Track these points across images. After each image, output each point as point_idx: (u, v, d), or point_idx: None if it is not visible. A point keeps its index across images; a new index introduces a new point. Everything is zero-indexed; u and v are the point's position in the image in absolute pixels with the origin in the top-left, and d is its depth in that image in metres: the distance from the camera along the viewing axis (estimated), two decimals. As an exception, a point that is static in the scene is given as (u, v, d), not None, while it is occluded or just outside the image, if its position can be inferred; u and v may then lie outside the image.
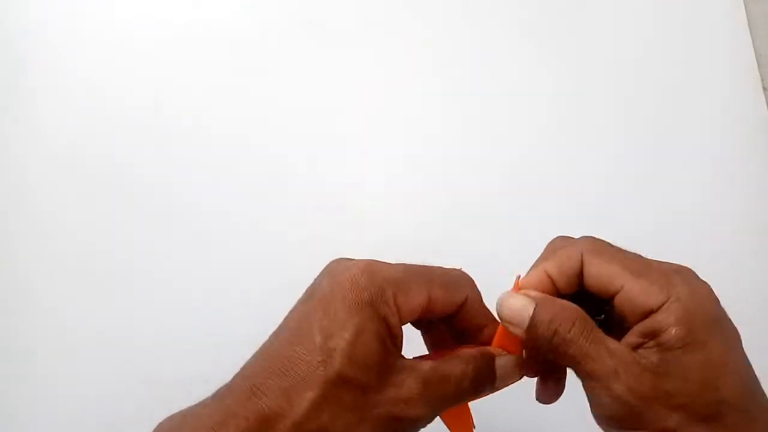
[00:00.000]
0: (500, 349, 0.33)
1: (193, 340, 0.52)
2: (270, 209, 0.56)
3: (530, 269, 0.33)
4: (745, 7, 0.63)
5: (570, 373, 0.34)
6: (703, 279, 0.31)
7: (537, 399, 0.35)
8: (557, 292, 0.32)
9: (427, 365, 0.30)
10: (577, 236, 0.33)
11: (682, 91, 0.61)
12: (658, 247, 0.56)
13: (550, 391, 0.34)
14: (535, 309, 0.30)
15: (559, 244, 0.33)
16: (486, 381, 0.32)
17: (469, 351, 0.32)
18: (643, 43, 0.62)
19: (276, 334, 0.30)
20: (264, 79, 0.60)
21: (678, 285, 0.29)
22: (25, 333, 0.53)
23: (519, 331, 0.31)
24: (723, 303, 0.31)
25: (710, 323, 0.28)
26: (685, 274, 0.30)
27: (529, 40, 0.62)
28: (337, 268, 0.31)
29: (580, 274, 0.31)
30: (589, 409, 0.31)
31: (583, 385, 0.30)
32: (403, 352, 0.31)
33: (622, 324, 0.31)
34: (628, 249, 0.32)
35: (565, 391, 0.34)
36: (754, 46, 0.62)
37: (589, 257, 0.31)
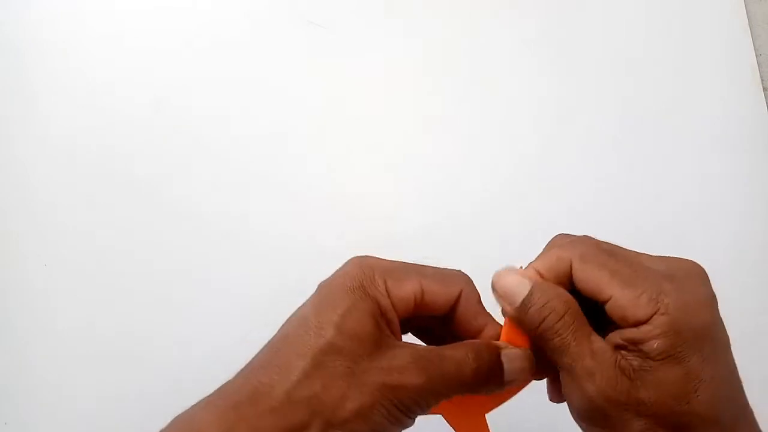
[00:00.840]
0: (506, 342, 0.32)
1: (196, 341, 0.52)
2: (271, 210, 0.56)
3: (524, 268, 0.32)
4: (746, 7, 0.63)
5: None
6: (703, 275, 0.30)
7: (550, 399, 0.34)
8: None
9: (425, 346, 0.30)
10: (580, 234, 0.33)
11: (682, 91, 0.61)
12: (657, 247, 0.56)
13: (559, 390, 0.34)
14: (530, 290, 0.30)
15: (558, 242, 0.33)
16: (490, 372, 0.31)
17: (472, 340, 0.32)
18: (643, 43, 0.62)
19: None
20: (267, 78, 0.60)
21: (668, 295, 0.28)
22: (26, 332, 0.53)
23: (509, 309, 0.31)
24: (721, 303, 0.31)
25: (696, 337, 0.28)
26: (679, 278, 0.29)
27: (530, 41, 0.62)
28: (336, 270, 0.32)
29: (570, 278, 0.31)
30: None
31: (559, 374, 0.30)
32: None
33: (611, 320, 0.31)
34: (625, 247, 0.32)
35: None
36: (754, 46, 0.62)
37: (578, 264, 0.31)
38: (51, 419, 0.51)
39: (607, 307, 0.30)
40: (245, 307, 0.53)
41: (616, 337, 0.29)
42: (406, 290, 0.31)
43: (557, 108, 0.60)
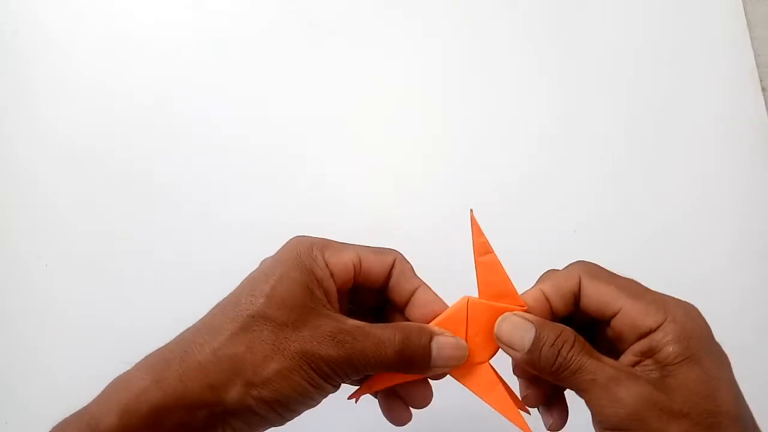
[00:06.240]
0: (444, 329, 0.33)
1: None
2: (272, 210, 0.56)
3: (527, 291, 0.33)
4: (744, 7, 0.63)
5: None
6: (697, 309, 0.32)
7: (547, 428, 0.35)
8: (552, 314, 0.33)
9: (354, 321, 0.31)
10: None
11: (682, 91, 0.61)
12: (659, 246, 0.57)
13: (555, 416, 0.35)
14: (537, 331, 0.31)
15: (553, 272, 0.34)
16: (416, 356, 0.32)
17: (406, 323, 0.33)
18: (643, 44, 0.62)
19: None
20: (268, 79, 0.60)
21: (673, 307, 0.31)
22: (26, 332, 0.53)
23: (519, 354, 0.32)
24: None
25: (705, 343, 0.30)
26: (677, 299, 0.32)
27: (532, 43, 0.62)
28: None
29: (576, 296, 0.32)
30: (592, 423, 0.31)
31: (585, 400, 0.30)
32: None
33: (614, 348, 0.32)
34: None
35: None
36: (753, 47, 0.62)
37: (587, 279, 0.32)
38: (51, 419, 0.51)
39: (616, 319, 0.31)
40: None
41: (628, 356, 0.31)
42: (344, 259, 0.32)
43: (558, 110, 0.60)
